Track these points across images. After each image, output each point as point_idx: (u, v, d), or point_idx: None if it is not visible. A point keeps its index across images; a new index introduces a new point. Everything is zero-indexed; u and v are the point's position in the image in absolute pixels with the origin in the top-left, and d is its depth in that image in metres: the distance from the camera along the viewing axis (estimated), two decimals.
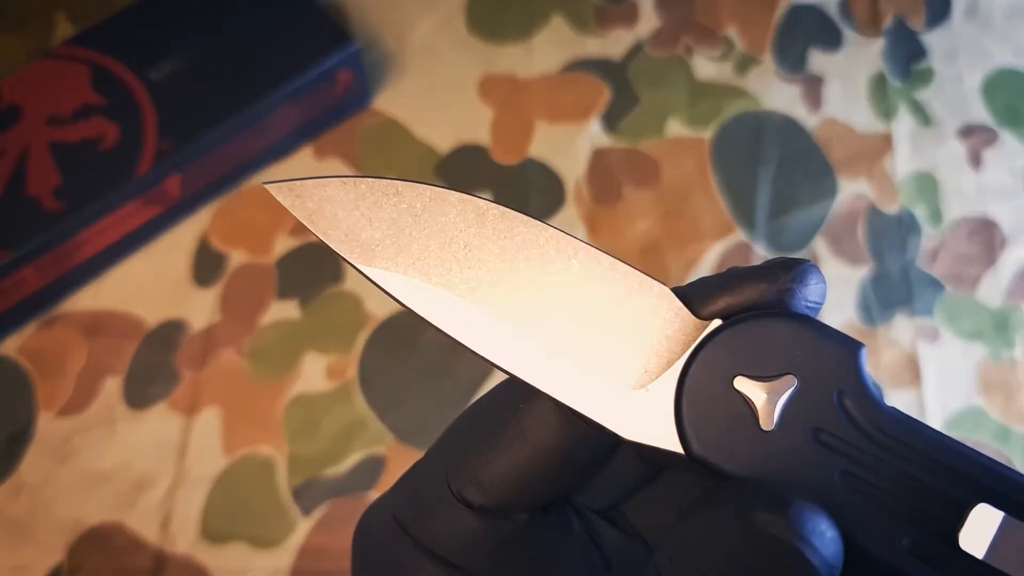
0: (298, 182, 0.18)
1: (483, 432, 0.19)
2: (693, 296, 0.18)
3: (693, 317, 0.17)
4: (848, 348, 0.16)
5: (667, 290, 0.18)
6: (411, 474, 0.20)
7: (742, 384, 0.16)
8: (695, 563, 0.16)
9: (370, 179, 0.18)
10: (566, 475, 0.18)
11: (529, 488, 0.18)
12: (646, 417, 0.17)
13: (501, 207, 0.18)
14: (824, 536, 0.15)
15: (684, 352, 0.17)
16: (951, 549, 0.15)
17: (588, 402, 0.17)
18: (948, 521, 0.16)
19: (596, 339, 0.17)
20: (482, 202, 0.18)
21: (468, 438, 0.19)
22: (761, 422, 0.16)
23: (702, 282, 0.18)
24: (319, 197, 0.18)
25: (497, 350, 0.17)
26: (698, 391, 0.16)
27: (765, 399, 0.16)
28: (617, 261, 0.18)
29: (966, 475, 0.16)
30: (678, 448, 0.16)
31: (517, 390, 0.18)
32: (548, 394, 0.17)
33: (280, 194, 0.18)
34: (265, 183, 0.18)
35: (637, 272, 0.18)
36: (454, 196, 0.18)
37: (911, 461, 0.16)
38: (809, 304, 0.17)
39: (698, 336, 0.17)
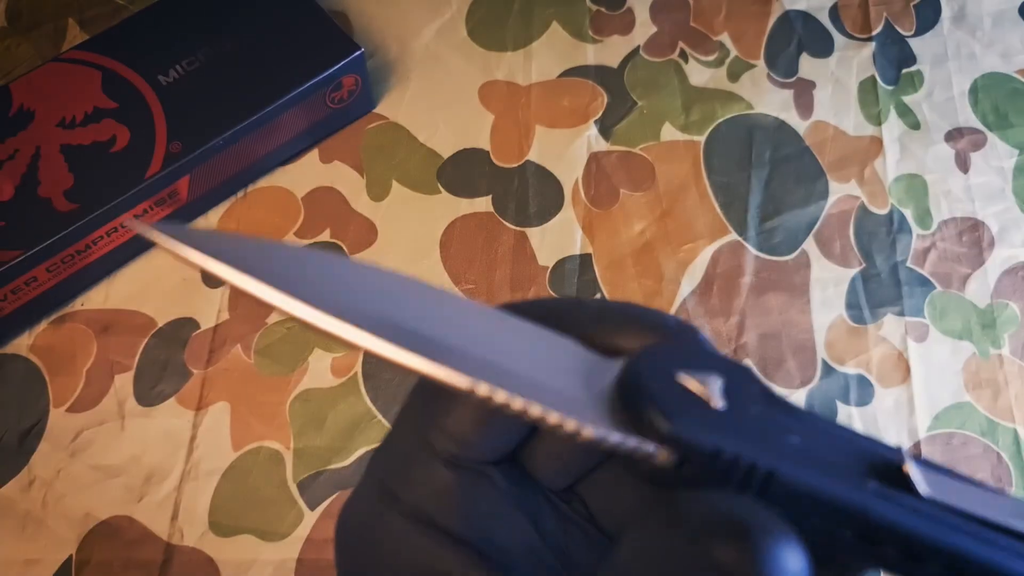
0: (178, 229, 0.17)
1: (439, 387, 0.19)
2: (599, 337, 0.19)
3: (602, 356, 0.18)
4: (743, 365, 0.18)
5: (570, 340, 0.19)
6: (381, 448, 0.21)
7: (683, 378, 0.17)
8: (667, 556, 0.15)
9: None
10: (516, 419, 0.19)
11: (489, 431, 0.19)
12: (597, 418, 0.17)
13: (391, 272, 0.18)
14: (788, 572, 0.15)
15: (603, 385, 0.17)
16: (907, 492, 0.17)
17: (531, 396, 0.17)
18: (893, 469, 0.17)
19: (518, 365, 0.17)
20: (377, 267, 0.18)
21: (429, 394, 0.20)
22: (712, 404, 0.17)
23: (607, 326, 0.19)
24: (206, 239, 0.17)
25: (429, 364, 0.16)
26: (645, 386, 0.17)
27: (707, 387, 0.17)
28: (515, 317, 0.19)
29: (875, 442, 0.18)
30: (643, 444, 0.16)
31: None
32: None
33: (155, 235, 0.16)
34: (127, 224, 0.17)
35: (535, 326, 0.19)
36: (327, 255, 0.18)
37: (839, 434, 0.18)
38: None
39: (616, 365, 0.18)
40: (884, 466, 0.17)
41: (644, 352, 0.18)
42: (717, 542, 0.15)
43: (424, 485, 0.19)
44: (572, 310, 0.20)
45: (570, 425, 0.16)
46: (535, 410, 0.16)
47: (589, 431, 0.16)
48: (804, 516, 0.16)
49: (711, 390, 0.17)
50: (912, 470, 0.17)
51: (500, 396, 0.16)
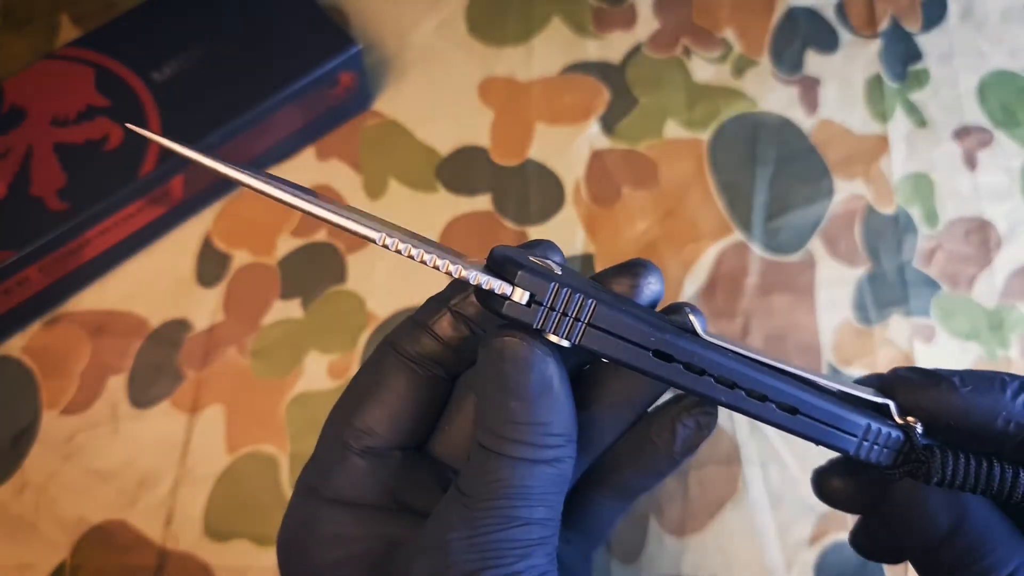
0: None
1: (354, 394, 0.24)
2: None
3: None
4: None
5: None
6: (308, 461, 0.25)
7: (532, 257, 0.23)
8: (480, 386, 0.22)
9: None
10: (417, 411, 0.24)
11: (395, 424, 0.24)
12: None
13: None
14: (536, 341, 0.21)
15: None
16: (691, 339, 0.23)
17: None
18: (682, 326, 0.24)
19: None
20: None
21: (345, 403, 0.25)
22: (555, 271, 0.23)
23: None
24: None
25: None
26: (505, 254, 0.23)
27: (549, 261, 0.24)
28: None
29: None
30: (504, 284, 0.22)
31: (373, 361, 0.24)
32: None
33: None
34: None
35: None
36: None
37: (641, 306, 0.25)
38: None
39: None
40: (678, 323, 0.24)
41: (505, 245, 0.24)
42: (494, 338, 0.21)
43: (342, 476, 0.24)
44: None
45: (450, 267, 0.21)
46: (423, 256, 0.21)
47: (463, 272, 0.21)
48: (619, 339, 0.22)
49: (552, 263, 0.23)
50: (693, 319, 0.24)
51: (397, 246, 0.20)
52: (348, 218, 0.20)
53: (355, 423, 0.24)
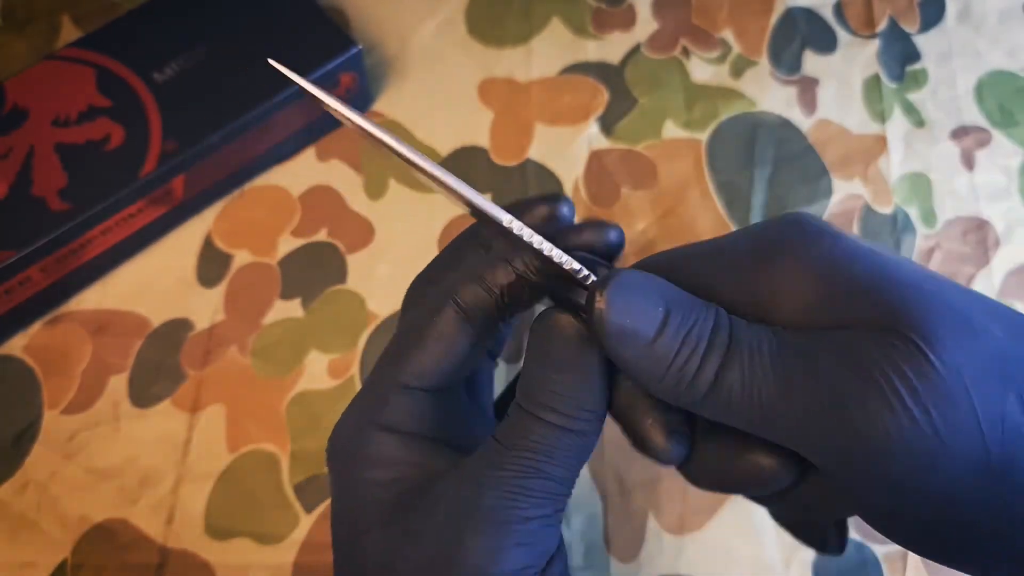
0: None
1: (409, 337, 0.26)
2: None
3: None
4: None
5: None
6: (363, 388, 0.27)
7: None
8: (529, 355, 0.24)
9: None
10: (465, 355, 0.26)
11: (446, 369, 0.26)
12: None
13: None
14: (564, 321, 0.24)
15: None
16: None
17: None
18: None
19: None
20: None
21: (400, 345, 0.26)
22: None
23: None
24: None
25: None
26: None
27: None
28: None
29: None
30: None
31: (430, 308, 0.26)
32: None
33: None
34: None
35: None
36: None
37: None
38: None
39: None
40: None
41: None
42: (550, 318, 0.24)
43: (395, 410, 0.26)
44: None
45: (566, 261, 0.24)
46: (543, 246, 0.23)
47: (562, 258, 0.24)
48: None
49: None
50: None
51: (523, 231, 0.23)
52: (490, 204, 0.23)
53: (410, 367, 0.26)
